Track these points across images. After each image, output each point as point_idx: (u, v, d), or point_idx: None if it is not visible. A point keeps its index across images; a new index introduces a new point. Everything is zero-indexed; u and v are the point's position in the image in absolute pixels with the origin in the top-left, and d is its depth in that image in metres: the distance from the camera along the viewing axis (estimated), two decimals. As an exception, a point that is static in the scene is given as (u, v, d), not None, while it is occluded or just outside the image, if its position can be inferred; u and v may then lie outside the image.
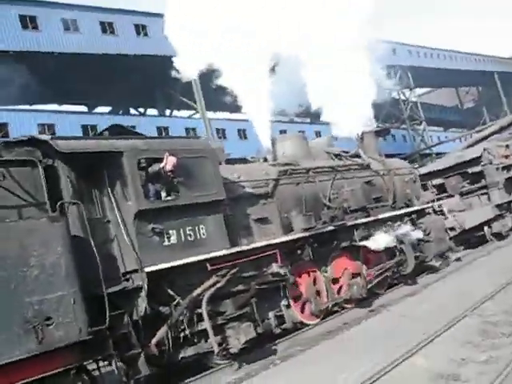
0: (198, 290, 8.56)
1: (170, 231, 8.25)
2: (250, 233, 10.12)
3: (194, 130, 36.37)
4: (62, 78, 32.28)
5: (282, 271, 10.07)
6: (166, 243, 8.18)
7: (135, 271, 7.83)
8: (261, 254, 9.72)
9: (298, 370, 8.08)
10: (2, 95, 32.45)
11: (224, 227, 9.08)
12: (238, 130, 37.35)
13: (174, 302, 8.29)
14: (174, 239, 8.27)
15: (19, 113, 31.28)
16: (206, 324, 8.44)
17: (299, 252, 11.08)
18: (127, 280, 7.89)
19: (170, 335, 8.18)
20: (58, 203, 7.15)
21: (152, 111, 43.50)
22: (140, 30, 34.50)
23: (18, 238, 6.50)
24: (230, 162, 11.72)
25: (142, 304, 7.82)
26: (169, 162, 8.19)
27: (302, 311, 10.90)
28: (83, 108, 40.50)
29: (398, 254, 13.08)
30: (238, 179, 10.44)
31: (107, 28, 33.43)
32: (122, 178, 7.92)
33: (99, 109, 41.29)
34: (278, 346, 9.76)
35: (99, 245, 7.71)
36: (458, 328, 8.40)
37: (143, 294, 7.80)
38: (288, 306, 10.54)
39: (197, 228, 8.63)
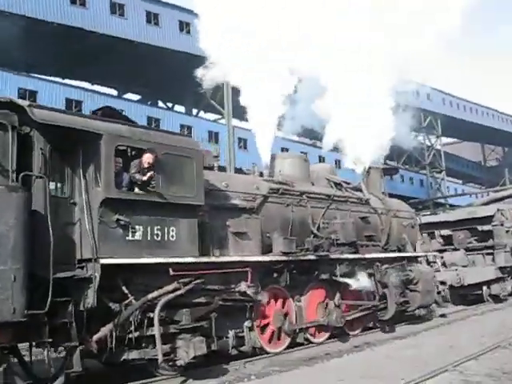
0: (154, 294, 8.10)
1: (137, 226, 7.82)
2: (224, 245, 9.64)
3: (216, 134, 36.14)
4: (98, 59, 32.38)
5: (250, 291, 9.58)
6: (130, 238, 7.74)
7: (90, 260, 7.41)
8: (230, 270, 9.26)
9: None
10: (38, 63, 32.67)
11: (196, 234, 8.63)
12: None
13: (126, 301, 7.85)
14: (139, 235, 7.84)
15: (50, 84, 31.32)
16: (155, 330, 7.97)
17: (275, 275, 10.62)
18: (82, 268, 7.48)
19: (114, 334, 7.73)
20: (21, 174, 6.79)
21: (180, 108, 43.55)
22: (183, 26, 34.50)
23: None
24: (223, 170, 11.32)
25: (91, 296, 7.39)
26: (144, 160, 7.83)
27: (267, 338, 10.39)
28: (113, 91, 40.57)
29: (377, 297, 12.51)
30: (224, 188, 10.02)
31: (152, 19, 33.53)
32: (97, 161, 7.52)
33: (128, 95, 41.33)
34: (252, 364, 9.49)
35: (60, 226, 7.35)
36: (437, 380, 7.93)
37: (94, 285, 7.38)
38: (251, 329, 10.04)
39: (166, 229, 8.19)
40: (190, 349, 8.30)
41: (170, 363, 8.33)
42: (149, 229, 7.96)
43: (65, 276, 7.17)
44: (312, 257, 10.90)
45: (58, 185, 7.63)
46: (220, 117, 38.73)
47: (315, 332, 11.45)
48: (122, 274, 7.81)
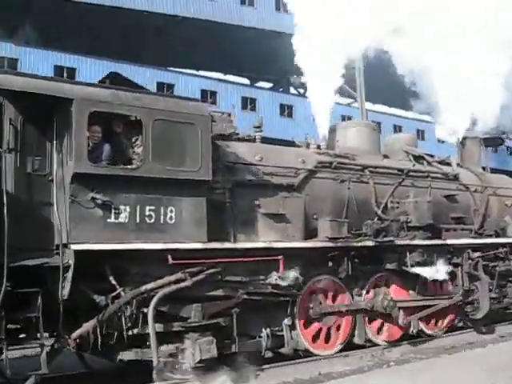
0: (150, 285, 6.80)
1: (122, 207, 6.53)
2: (252, 229, 8.05)
3: (349, 118, 33.97)
4: (234, 50, 31.91)
5: (283, 283, 7.93)
6: (112, 220, 6.48)
7: (65, 246, 6.29)
8: (254, 258, 7.67)
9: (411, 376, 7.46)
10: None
11: (204, 215, 7.15)
12: (394, 126, 34.54)
13: (114, 293, 6.63)
14: (124, 217, 6.54)
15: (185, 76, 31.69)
16: (149, 328, 6.67)
17: (330, 265, 8.84)
18: (58, 254, 6.38)
19: (99, 331, 6.56)
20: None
21: None
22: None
23: None
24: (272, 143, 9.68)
25: (67, 287, 6.27)
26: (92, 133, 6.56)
27: (314, 338, 8.66)
28: (245, 80, 39.88)
29: (460, 291, 10.13)
30: (257, 161, 8.42)
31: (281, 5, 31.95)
32: (70, 131, 6.35)
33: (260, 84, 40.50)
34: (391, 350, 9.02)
35: (35, 206, 6.32)
36: None
37: (68, 275, 6.25)
38: (292, 327, 8.38)
39: (162, 209, 6.81)
40: (195, 351, 6.93)
41: (177, 366, 7.03)
42: (138, 209, 6.64)
43: (34, 264, 6.11)
44: (370, 243, 8.91)
45: (36, 160, 6.57)
46: (352, 100, 35.96)
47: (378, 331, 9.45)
48: (110, 263, 6.61)
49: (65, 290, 6.22)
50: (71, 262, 6.20)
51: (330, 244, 8.40)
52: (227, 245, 7.36)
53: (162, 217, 6.80)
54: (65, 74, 25.89)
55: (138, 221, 6.63)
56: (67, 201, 6.24)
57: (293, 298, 8.20)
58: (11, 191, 6.12)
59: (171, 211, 6.88)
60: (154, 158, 6.71)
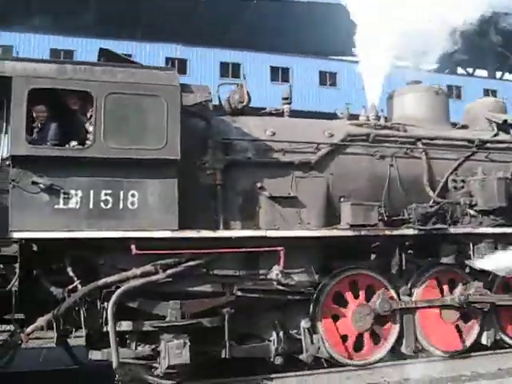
0: (111, 278, 6.03)
1: (72, 191, 5.81)
2: (252, 215, 6.86)
3: None
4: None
5: (283, 280, 6.63)
6: (61, 206, 5.80)
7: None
8: (246, 250, 6.46)
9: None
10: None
11: (175, 199, 6.13)
12: (485, 90, 31.11)
13: (71, 286, 5.98)
14: (74, 202, 5.81)
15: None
16: (109, 325, 5.91)
17: (373, 258, 7.34)
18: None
19: (55, 327, 5.96)
20: None
21: (481, 72, 38.63)
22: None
23: None
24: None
25: (14, 277, 5.76)
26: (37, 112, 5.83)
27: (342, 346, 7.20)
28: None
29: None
30: (267, 137, 7.18)
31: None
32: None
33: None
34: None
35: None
36: None
37: (17, 265, 5.73)
38: (313, 331, 7.02)
39: (122, 193, 5.95)
40: (166, 354, 6.01)
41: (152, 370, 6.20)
42: (91, 194, 5.87)
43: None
44: (410, 231, 7.15)
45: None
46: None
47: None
48: (70, 253, 5.98)
49: (13, 281, 5.72)
50: (15, 252, 5.67)
51: (347, 233, 6.86)
52: (203, 233, 6.23)
53: (121, 202, 5.96)
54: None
55: (91, 206, 5.87)
56: (10, 186, 5.71)
57: (304, 296, 6.86)
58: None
59: (133, 195, 6.00)
60: (106, 136, 5.87)
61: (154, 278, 6.14)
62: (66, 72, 5.89)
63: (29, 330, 5.91)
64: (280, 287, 6.71)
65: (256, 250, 6.46)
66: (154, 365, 6.15)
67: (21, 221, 5.67)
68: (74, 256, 6.01)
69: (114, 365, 5.86)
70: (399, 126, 8.05)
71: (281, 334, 6.85)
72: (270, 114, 8.00)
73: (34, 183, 5.69)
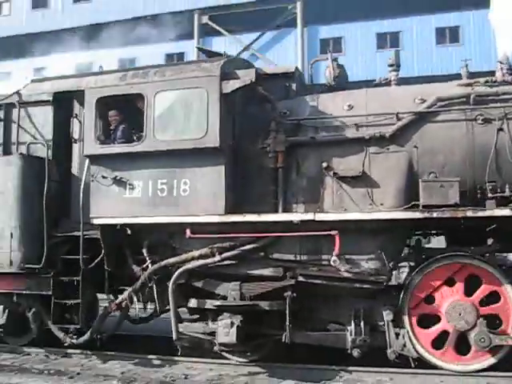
0: (172, 260, 6.54)
1: (135, 182, 6.50)
2: (317, 197, 6.39)
3: None
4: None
5: (341, 267, 6.03)
6: (127, 195, 6.55)
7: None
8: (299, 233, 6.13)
9: None
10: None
11: (222, 185, 6.22)
12: None
13: (144, 265, 6.72)
14: (137, 192, 6.50)
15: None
16: (170, 302, 6.45)
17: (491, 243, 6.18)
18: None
19: (135, 299, 6.79)
20: (27, 144, 7.13)
21: None
22: None
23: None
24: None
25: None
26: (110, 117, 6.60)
27: (435, 345, 6.16)
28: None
29: None
30: (342, 112, 6.56)
31: None
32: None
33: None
34: None
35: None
36: None
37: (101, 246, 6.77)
38: (396, 324, 6.22)
39: (175, 182, 6.37)
40: (217, 333, 6.26)
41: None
42: (150, 184, 6.46)
43: (71, 235, 6.94)
44: (503, 212, 5.57)
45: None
46: None
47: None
48: (146, 236, 6.76)
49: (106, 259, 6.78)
50: (96, 234, 6.72)
51: (411, 215, 5.78)
52: (247, 217, 6.13)
53: (174, 190, 6.40)
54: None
55: (150, 195, 6.48)
56: (88, 180, 6.74)
57: (376, 286, 6.12)
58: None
59: (185, 183, 6.37)
60: (155, 130, 6.37)
61: (209, 260, 6.42)
62: (126, 78, 6.61)
63: (116, 301, 6.92)
64: (346, 274, 6.16)
65: (303, 233, 6.09)
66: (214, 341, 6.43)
67: (97, 209, 6.67)
68: (149, 239, 6.75)
69: (174, 337, 6.42)
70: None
71: (361, 324, 6.29)
72: (376, 85, 7.23)
73: (104, 177, 6.61)
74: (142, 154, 6.47)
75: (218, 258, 6.38)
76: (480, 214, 5.62)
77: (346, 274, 6.13)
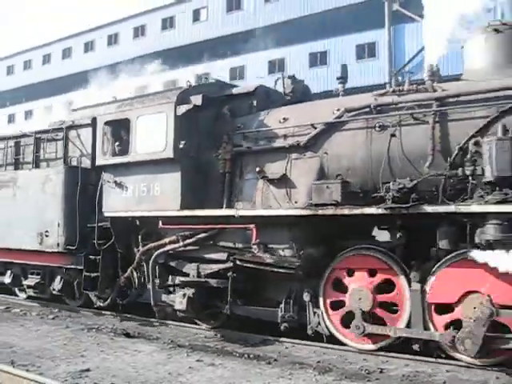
0: (152, 244, 8.41)
1: (128, 185, 8.53)
2: (251, 196, 7.68)
3: None
4: None
5: (258, 252, 7.27)
6: (124, 195, 8.60)
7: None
8: (228, 226, 7.55)
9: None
10: None
11: (178, 187, 7.90)
12: None
13: (137, 249, 8.70)
14: (130, 192, 8.51)
15: None
16: (150, 276, 8.35)
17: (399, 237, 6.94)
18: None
19: (135, 275, 8.81)
20: (78, 157, 9.60)
21: None
22: None
23: (42, 183, 9.74)
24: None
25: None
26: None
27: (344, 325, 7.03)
28: None
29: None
30: (277, 125, 7.74)
31: None
32: (99, 138, 9.02)
33: None
34: None
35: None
36: None
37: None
38: (312, 305, 7.25)
39: (151, 185, 8.22)
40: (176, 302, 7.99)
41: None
42: (136, 186, 8.42)
43: (97, 225, 9.16)
44: (371, 210, 6.23)
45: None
46: None
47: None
48: (143, 226, 8.76)
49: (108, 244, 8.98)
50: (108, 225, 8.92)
51: (300, 212, 6.76)
52: (195, 213, 7.74)
53: (151, 191, 8.26)
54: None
55: (136, 195, 8.44)
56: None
57: (290, 271, 7.20)
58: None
59: (157, 186, 8.19)
60: (137, 146, 8.30)
61: (176, 245, 8.15)
62: (121, 107, 8.67)
63: (124, 276, 9.02)
64: (268, 260, 7.37)
65: (228, 226, 7.48)
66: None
67: (107, 205, 8.86)
68: (145, 229, 8.71)
69: (152, 303, 8.30)
70: (428, 86, 6.72)
71: (291, 303, 7.45)
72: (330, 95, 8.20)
73: (110, 182, 8.77)
74: (130, 163, 8.49)
75: (181, 243, 8.10)
76: (356, 211, 6.40)
77: (268, 260, 7.35)
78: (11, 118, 43.61)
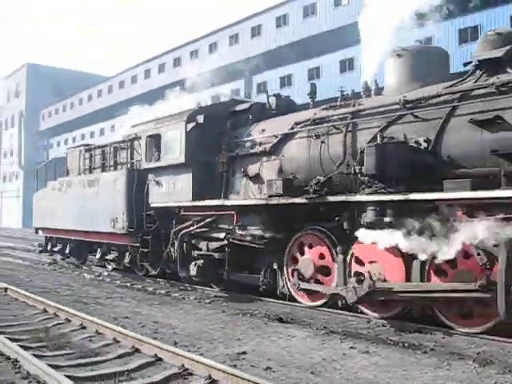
0: (179, 227, 11.14)
1: (163, 183, 11.38)
2: (239, 190, 10.07)
3: None
4: None
5: (238, 231, 9.67)
6: (160, 190, 11.47)
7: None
8: (217, 212, 10.11)
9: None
10: None
11: (190, 185, 10.55)
12: None
13: (173, 231, 11.51)
14: (164, 189, 11.36)
15: None
16: (177, 251, 11.12)
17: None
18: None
19: (171, 251, 11.61)
20: (137, 161, 12.72)
21: None
22: None
23: (113, 181, 13.04)
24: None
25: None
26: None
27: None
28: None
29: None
30: (257, 135, 10.01)
31: None
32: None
33: None
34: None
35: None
36: None
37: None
38: (280, 273, 9.46)
39: (175, 183, 11.00)
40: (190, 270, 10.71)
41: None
42: (166, 184, 11.26)
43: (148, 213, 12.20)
44: (299, 200, 8.29)
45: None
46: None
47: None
48: (173, 213, 11.56)
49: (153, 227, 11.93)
50: (152, 213, 11.89)
51: (257, 201, 9.03)
52: (199, 203, 10.34)
53: (175, 187, 11.04)
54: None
55: (167, 190, 11.27)
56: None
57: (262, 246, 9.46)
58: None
59: (178, 184, 10.94)
60: (165, 154, 11.11)
61: (192, 228, 10.83)
62: (155, 125, 11.55)
63: (164, 252, 11.88)
64: (248, 238, 9.72)
65: (216, 213, 9.96)
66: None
67: (151, 198, 11.81)
68: (177, 216, 11.50)
69: (179, 271, 11.06)
70: (352, 102, 8.55)
71: (268, 270, 9.76)
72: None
73: (152, 180, 11.69)
74: (162, 167, 11.33)
75: (195, 226, 10.76)
76: (283, 201, 8.55)
77: (247, 238, 9.71)
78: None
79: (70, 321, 7.57)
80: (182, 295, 10.30)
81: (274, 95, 10.70)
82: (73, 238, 15.21)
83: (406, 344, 6.46)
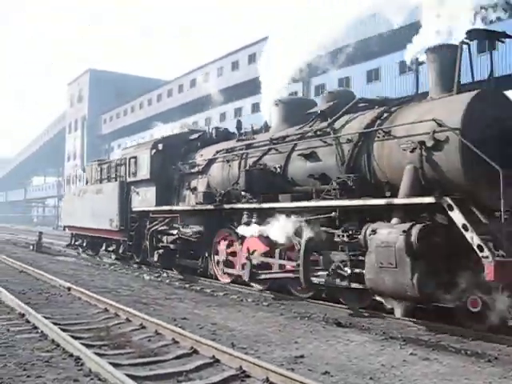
0: (148, 226, 14.77)
1: (141, 193, 15.08)
2: (185, 199, 13.58)
3: None
4: None
5: (182, 229, 13.14)
6: (139, 199, 15.18)
7: (138, 209, 15.66)
8: (169, 215, 13.65)
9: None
10: None
11: (153, 194, 14.20)
12: None
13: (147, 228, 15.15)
14: (140, 197, 15.05)
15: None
16: (148, 244, 14.75)
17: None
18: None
19: (147, 244, 15.19)
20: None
21: None
22: None
23: (111, 190, 16.86)
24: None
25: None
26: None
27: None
28: None
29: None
30: (200, 157, 13.49)
31: None
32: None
33: None
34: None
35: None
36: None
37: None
38: (210, 259, 12.88)
39: (145, 193, 14.68)
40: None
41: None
42: (141, 194, 14.96)
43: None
44: (210, 206, 11.74)
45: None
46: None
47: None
48: (146, 215, 15.20)
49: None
50: (134, 215, 15.62)
51: (187, 207, 12.56)
52: (155, 208, 13.95)
53: (145, 196, 14.71)
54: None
55: (141, 198, 14.95)
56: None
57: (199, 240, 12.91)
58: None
59: (147, 194, 14.61)
60: (138, 171, 14.81)
61: (157, 226, 14.43)
62: (133, 148, 15.27)
63: (143, 245, 15.61)
64: (189, 234, 13.21)
65: (170, 215, 13.52)
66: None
67: (132, 204, 15.54)
68: (151, 218, 15.14)
69: (149, 260, 14.69)
70: (248, 137, 11.91)
71: (205, 257, 13.20)
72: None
73: (131, 190, 15.41)
74: (138, 181, 15.02)
75: (159, 225, 14.36)
76: (199, 207, 12.02)
77: (188, 234, 13.19)
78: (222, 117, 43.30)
79: (130, 321, 7.59)
80: (240, 297, 10.22)
81: (215, 128, 14.21)
82: (88, 234, 19.21)
83: (469, 352, 6.23)
